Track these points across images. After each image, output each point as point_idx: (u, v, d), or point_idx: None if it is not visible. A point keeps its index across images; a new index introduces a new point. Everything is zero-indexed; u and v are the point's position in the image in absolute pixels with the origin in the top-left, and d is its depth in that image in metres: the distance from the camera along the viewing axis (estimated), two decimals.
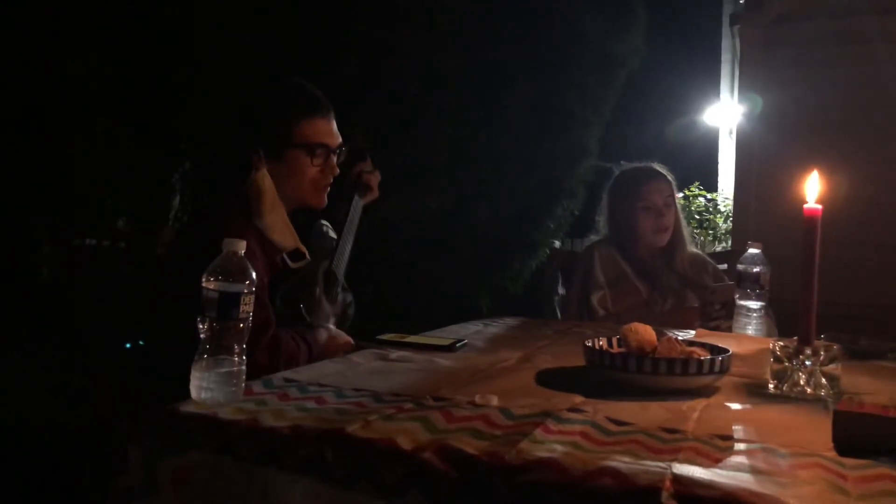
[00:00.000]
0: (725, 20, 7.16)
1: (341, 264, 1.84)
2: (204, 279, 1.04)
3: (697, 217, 7.05)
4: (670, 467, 0.81)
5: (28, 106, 2.47)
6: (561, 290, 2.64)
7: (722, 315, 2.06)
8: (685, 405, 1.12)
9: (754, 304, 1.90)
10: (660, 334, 1.33)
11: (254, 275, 1.07)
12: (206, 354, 1.04)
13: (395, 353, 1.46)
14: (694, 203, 7.17)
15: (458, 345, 1.58)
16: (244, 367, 1.07)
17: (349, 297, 1.92)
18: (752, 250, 1.91)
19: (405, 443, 0.89)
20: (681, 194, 6.52)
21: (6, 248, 2.51)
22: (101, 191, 2.67)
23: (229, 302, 1.03)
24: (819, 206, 1.25)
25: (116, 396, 1.65)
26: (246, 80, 2.71)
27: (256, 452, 0.93)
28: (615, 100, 4.12)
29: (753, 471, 0.84)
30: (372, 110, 2.92)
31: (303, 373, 1.28)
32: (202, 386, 1.04)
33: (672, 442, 0.94)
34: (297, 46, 2.90)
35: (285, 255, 1.66)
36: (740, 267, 1.91)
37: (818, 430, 0.98)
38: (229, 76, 2.71)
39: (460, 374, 1.31)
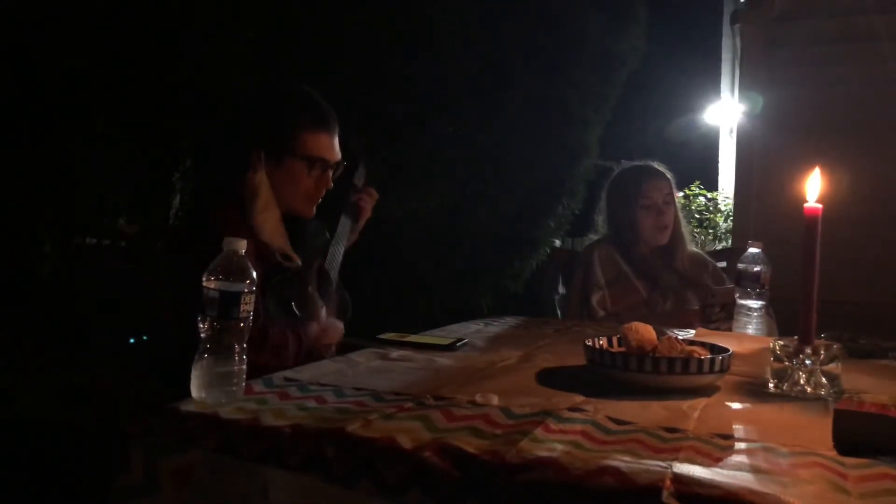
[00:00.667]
0: (726, 19, 7.15)
1: (335, 263, 1.86)
2: (204, 279, 1.05)
3: (697, 216, 7.04)
4: (671, 466, 0.81)
5: (28, 106, 2.47)
6: (561, 289, 2.64)
7: (722, 317, 2.06)
8: (686, 404, 1.12)
9: (754, 304, 1.90)
10: (660, 333, 1.33)
11: (254, 274, 1.07)
12: (207, 354, 1.04)
13: (395, 353, 1.47)
14: (694, 202, 7.16)
15: (458, 344, 1.58)
16: (244, 367, 1.07)
17: (346, 297, 1.93)
18: (752, 249, 1.91)
19: (406, 442, 0.89)
20: (681, 193, 6.53)
21: (6, 247, 2.50)
22: (102, 190, 2.67)
23: (230, 301, 1.04)
24: (819, 205, 1.25)
25: (117, 395, 1.65)
26: (246, 81, 2.72)
27: (257, 451, 0.93)
28: (615, 98, 4.12)
29: (754, 470, 0.84)
30: (372, 110, 2.93)
31: (303, 372, 1.28)
32: (203, 385, 1.04)
33: (673, 441, 0.94)
34: (296, 47, 2.90)
35: (278, 255, 1.68)
36: (740, 266, 1.91)
37: (818, 430, 0.98)
38: (229, 76, 2.71)
39: (461, 374, 1.31)
